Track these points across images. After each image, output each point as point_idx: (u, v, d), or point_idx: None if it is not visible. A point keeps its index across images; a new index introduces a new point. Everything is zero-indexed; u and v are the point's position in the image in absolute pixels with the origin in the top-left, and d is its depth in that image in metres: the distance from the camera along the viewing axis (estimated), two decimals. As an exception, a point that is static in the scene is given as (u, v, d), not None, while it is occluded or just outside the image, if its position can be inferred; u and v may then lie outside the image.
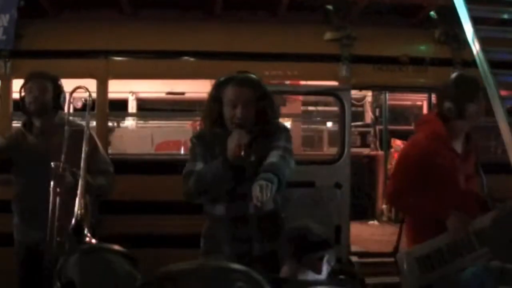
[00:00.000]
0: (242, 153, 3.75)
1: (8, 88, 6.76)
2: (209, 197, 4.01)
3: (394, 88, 8.55)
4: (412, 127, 7.33)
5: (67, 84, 5.41)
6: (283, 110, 9.51)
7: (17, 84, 6.74)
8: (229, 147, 3.80)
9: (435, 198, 4.53)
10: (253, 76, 4.15)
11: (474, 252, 4.45)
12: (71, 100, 5.26)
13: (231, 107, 3.97)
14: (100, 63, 6.99)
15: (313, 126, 12.22)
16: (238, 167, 3.84)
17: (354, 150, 7.79)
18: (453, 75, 4.91)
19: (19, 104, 5.26)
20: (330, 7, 7.26)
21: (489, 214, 4.50)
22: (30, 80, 5.18)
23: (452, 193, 4.59)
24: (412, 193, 4.60)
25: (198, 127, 4.31)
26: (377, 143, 10.79)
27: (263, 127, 4.02)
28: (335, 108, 8.49)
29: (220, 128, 4.02)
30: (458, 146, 4.70)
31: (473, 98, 4.61)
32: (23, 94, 5.17)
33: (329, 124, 11.46)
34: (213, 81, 4.26)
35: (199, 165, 3.97)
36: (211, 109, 4.06)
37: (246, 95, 3.97)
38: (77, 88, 5.19)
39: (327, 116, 11.40)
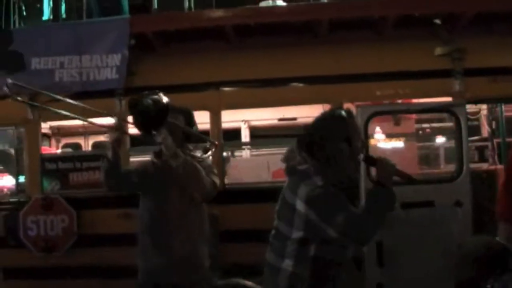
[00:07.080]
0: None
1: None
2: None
3: (510, 99, 8.26)
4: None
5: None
6: (397, 129, 9.35)
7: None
8: (384, 174, 3.59)
9: None
10: None
11: None
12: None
13: (361, 140, 3.75)
14: (212, 94, 7.14)
15: (428, 144, 11.96)
16: None
17: (472, 165, 7.53)
18: None
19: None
20: (437, 21, 7.10)
21: None
22: None
23: None
24: None
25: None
26: (496, 157, 10.44)
27: None
28: (449, 124, 8.28)
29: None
30: None
31: None
32: None
33: (443, 140, 11.17)
34: (325, 106, 4.15)
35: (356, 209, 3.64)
36: (343, 150, 3.67)
37: None
38: None
39: (442, 133, 11.14)
